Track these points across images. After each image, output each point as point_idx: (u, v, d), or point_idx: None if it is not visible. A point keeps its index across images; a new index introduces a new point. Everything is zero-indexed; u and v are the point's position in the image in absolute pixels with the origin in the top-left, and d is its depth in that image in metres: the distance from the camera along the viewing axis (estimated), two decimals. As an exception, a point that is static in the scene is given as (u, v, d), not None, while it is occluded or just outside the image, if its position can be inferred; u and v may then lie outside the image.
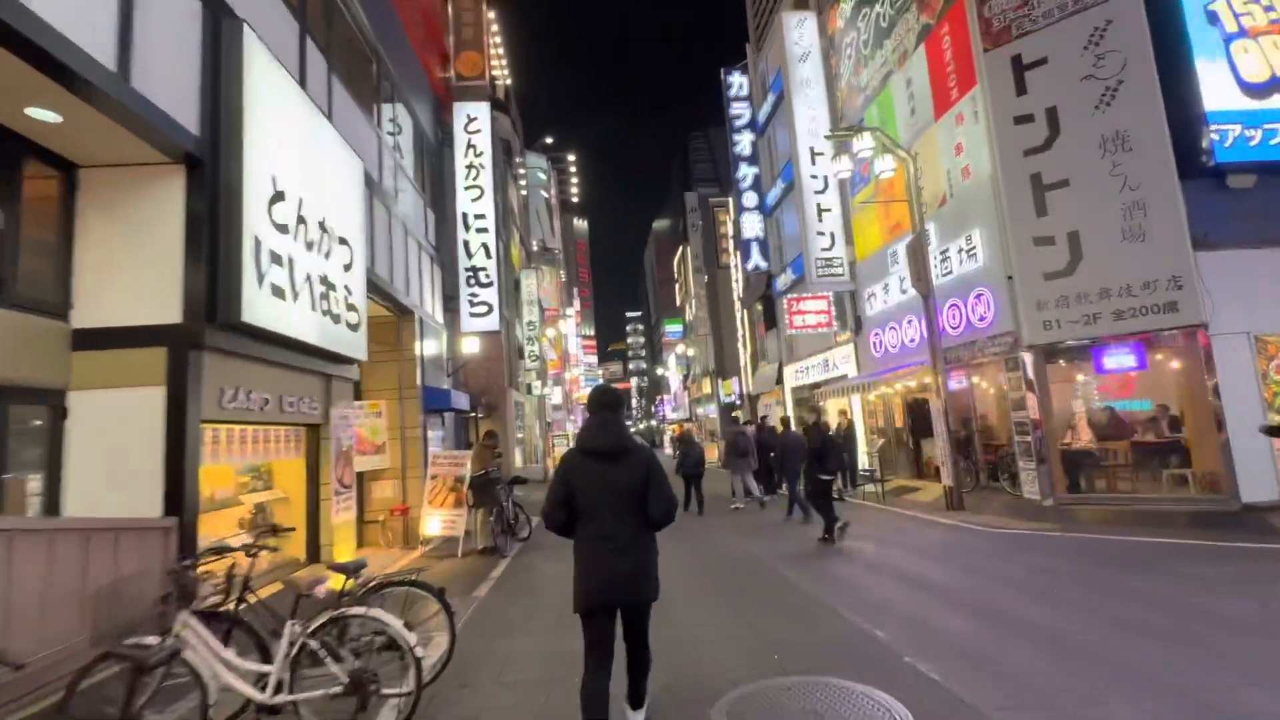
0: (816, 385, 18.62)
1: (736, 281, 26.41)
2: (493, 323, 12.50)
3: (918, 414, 13.41)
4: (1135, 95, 8.45)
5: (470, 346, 12.62)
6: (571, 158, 58.17)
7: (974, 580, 5.74)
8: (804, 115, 15.35)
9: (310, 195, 5.84)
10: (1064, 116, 8.95)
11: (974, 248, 10.23)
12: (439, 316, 11.90)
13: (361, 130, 8.41)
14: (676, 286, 47.88)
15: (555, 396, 40.42)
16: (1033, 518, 8.72)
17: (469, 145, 12.75)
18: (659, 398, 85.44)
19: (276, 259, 5.14)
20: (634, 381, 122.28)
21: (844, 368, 15.83)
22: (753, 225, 21.30)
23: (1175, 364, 8.80)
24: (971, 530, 8.31)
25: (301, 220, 5.61)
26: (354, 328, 6.69)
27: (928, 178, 11.24)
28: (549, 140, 51.90)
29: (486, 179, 12.75)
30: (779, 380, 21.47)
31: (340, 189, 6.60)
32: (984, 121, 9.80)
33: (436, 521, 8.99)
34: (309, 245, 5.75)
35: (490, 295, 12.53)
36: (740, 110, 21.79)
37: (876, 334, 13.86)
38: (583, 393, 63.16)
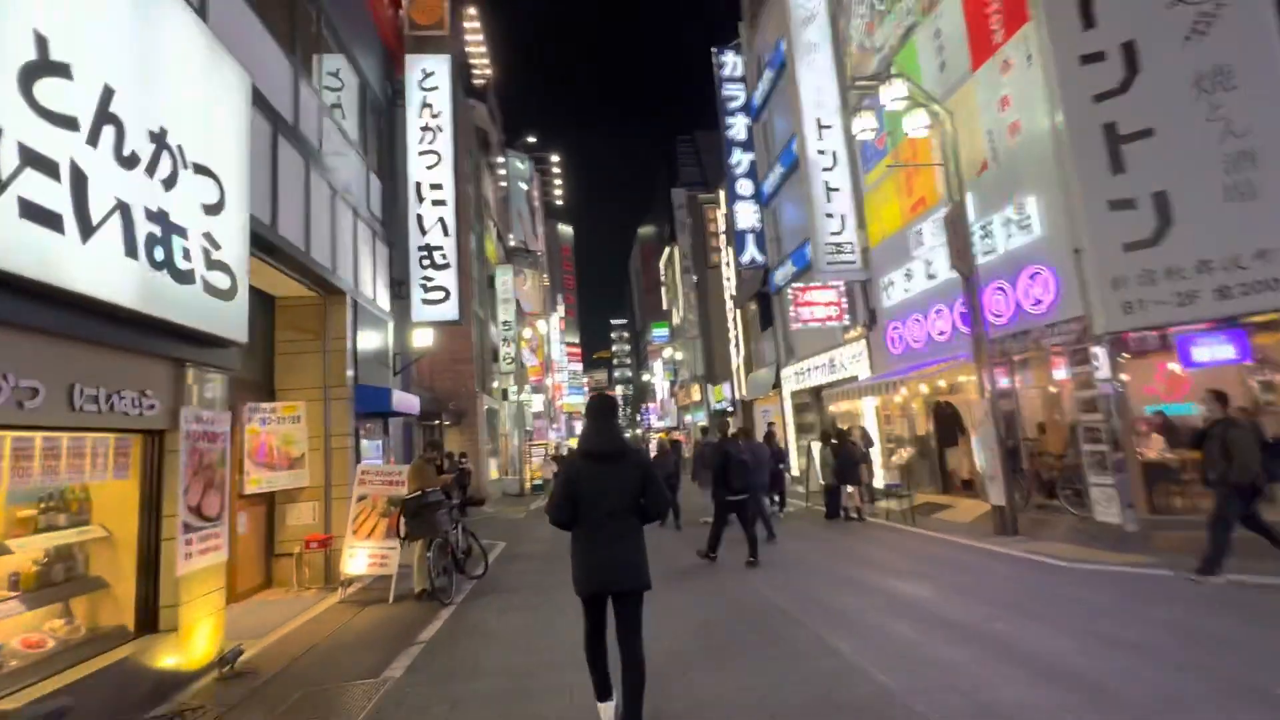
0: (820, 389, 16.87)
1: (728, 280, 24.71)
2: (450, 311, 10.56)
3: (943, 419, 11.68)
4: (1240, 19, 6.81)
5: (423, 339, 10.65)
6: (555, 158, 56.31)
7: (1105, 655, 3.91)
8: (809, 84, 13.66)
9: (137, 93, 3.93)
10: (1144, 51, 7.29)
11: (1027, 218, 8.52)
12: (383, 302, 9.94)
13: (264, 52, 6.49)
14: (663, 289, 46.14)
15: (537, 404, 38.39)
16: (1112, 546, 6.95)
17: (424, 104, 10.85)
18: (644, 405, 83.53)
19: (38, 161, 3.20)
20: (619, 390, 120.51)
21: (853, 368, 14.08)
22: (748, 215, 19.60)
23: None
24: (1044, 565, 6.51)
25: (111, 121, 3.69)
26: (224, 295, 4.76)
27: (962, 141, 9.53)
28: (531, 140, 50.04)
29: (445, 144, 10.85)
30: (776, 384, 19.71)
31: (204, 103, 4.70)
32: (1040, 65, 8.12)
33: (362, 556, 7.00)
34: (127, 160, 3.82)
35: (447, 279, 10.59)
36: (734, 92, 20.15)
37: (895, 328, 12.12)
38: (565, 400, 61.23)
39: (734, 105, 20.05)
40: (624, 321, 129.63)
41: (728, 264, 24.69)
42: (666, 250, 42.41)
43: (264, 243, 6.09)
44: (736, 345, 24.09)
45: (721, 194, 24.73)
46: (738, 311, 23.77)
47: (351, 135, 9.24)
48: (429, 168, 10.81)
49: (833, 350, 15.25)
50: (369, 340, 9.20)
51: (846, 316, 13.18)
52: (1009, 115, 8.81)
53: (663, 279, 46.61)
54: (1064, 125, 7.76)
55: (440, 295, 10.54)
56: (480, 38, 33.64)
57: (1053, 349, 8.29)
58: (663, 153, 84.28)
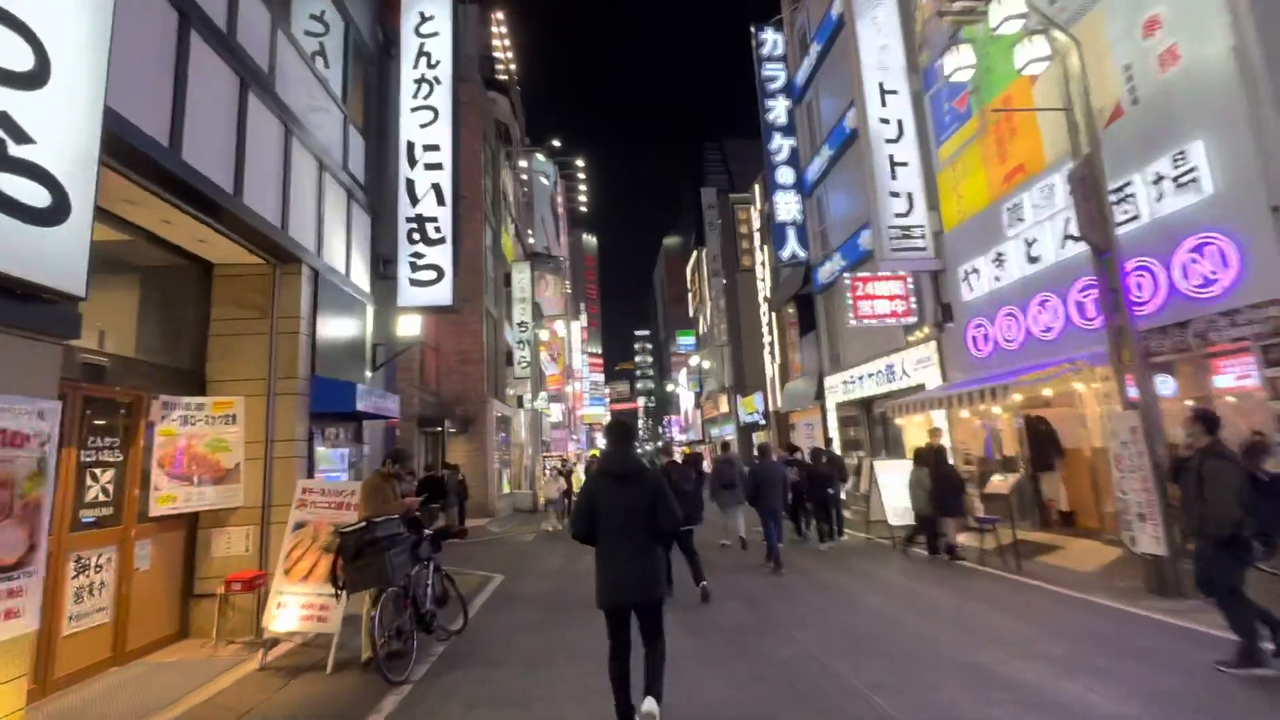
0: (871, 401, 14.77)
1: (762, 280, 22.74)
2: (442, 294, 8.79)
3: (1036, 438, 9.53)
4: None
5: (409, 328, 8.88)
6: (580, 163, 54.99)
7: None
8: (871, 44, 11.74)
9: None
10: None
11: (1188, 171, 6.44)
12: (361, 281, 8.22)
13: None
14: (690, 295, 44.16)
15: (555, 413, 36.69)
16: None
17: (421, 53, 9.20)
18: (666, 418, 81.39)
19: None
20: (641, 402, 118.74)
21: (919, 375, 11.98)
22: (789, 206, 17.65)
23: None
24: None
25: None
26: (38, 217, 3.04)
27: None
28: (556, 143, 48.79)
29: (444, 99, 9.16)
30: (818, 395, 17.60)
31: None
32: (1213, -34, 6.10)
33: (294, 606, 5.17)
34: None
35: (441, 256, 8.85)
36: (773, 72, 18.30)
37: (979, 325, 10.03)
38: (586, 410, 59.52)
39: (774, 86, 18.20)
40: (647, 333, 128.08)
41: (762, 264, 22.73)
42: (694, 254, 40.54)
43: (156, 169, 4.36)
44: (771, 352, 22.04)
45: (757, 188, 22.84)
46: (773, 315, 21.76)
47: (328, 79, 7.59)
48: (423, 125, 9.12)
49: (891, 355, 13.16)
50: (339, 326, 7.45)
51: (914, 313, 11.11)
52: (1158, 41, 6.77)
53: (689, 285, 44.68)
54: (1253, 44, 5.71)
55: (432, 275, 8.79)
56: (504, 29, 32.48)
57: (1222, 347, 6.17)
58: (689, 161, 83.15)
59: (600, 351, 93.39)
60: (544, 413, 31.52)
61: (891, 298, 11.09)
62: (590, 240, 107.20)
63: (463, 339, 17.36)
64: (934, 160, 11.24)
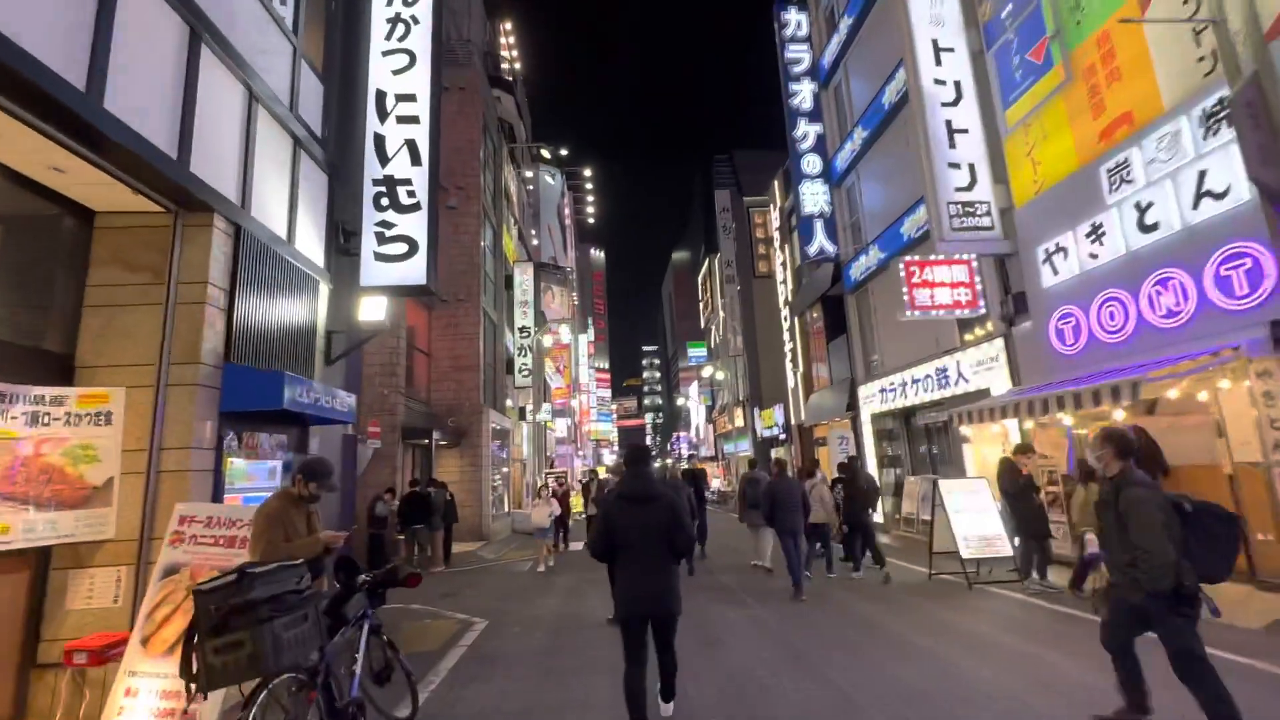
0: (911, 411, 13.01)
1: (783, 284, 21.09)
2: (414, 272, 7.16)
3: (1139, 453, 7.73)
4: None
5: (373, 312, 7.24)
6: (588, 173, 53.82)
7: None
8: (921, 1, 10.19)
9: None
10: None
11: None
12: (312, 252, 6.62)
13: None
14: (701, 305, 42.52)
15: (560, 428, 34.98)
16: None
17: (396, -13, 7.71)
18: (674, 435, 79.47)
19: None
20: (649, 418, 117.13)
21: (981, 379, 10.23)
22: (816, 197, 16.04)
23: None
24: None
25: None
26: None
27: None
28: (563, 152, 47.69)
29: (422, 42, 7.64)
30: (850, 406, 15.83)
31: None
32: None
33: (152, 695, 3.47)
34: None
35: (414, 226, 7.24)
36: (797, 54, 16.83)
37: (1066, 316, 8.29)
38: (594, 426, 57.79)
39: (798, 69, 16.71)
40: (655, 348, 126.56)
41: (783, 264, 21.09)
42: (706, 262, 38.99)
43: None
44: (794, 361, 20.31)
45: (776, 185, 21.30)
46: (796, 320, 20.07)
47: (284, 17, 6.08)
48: (397, 72, 7.58)
49: (943, 358, 11.41)
50: (278, 305, 5.83)
51: (980, 303, 9.37)
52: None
53: (701, 294, 43.07)
54: None
55: (402, 249, 7.17)
56: (510, 28, 31.40)
57: None
58: (699, 172, 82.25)
59: (608, 367, 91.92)
60: (548, 427, 29.82)
61: (954, 285, 9.38)
62: (598, 255, 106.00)
63: (457, 343, 15.76)
64: (1000, 126, 9.60)
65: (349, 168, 7.35)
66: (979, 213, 9.37)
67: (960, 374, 10.88)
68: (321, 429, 6.79)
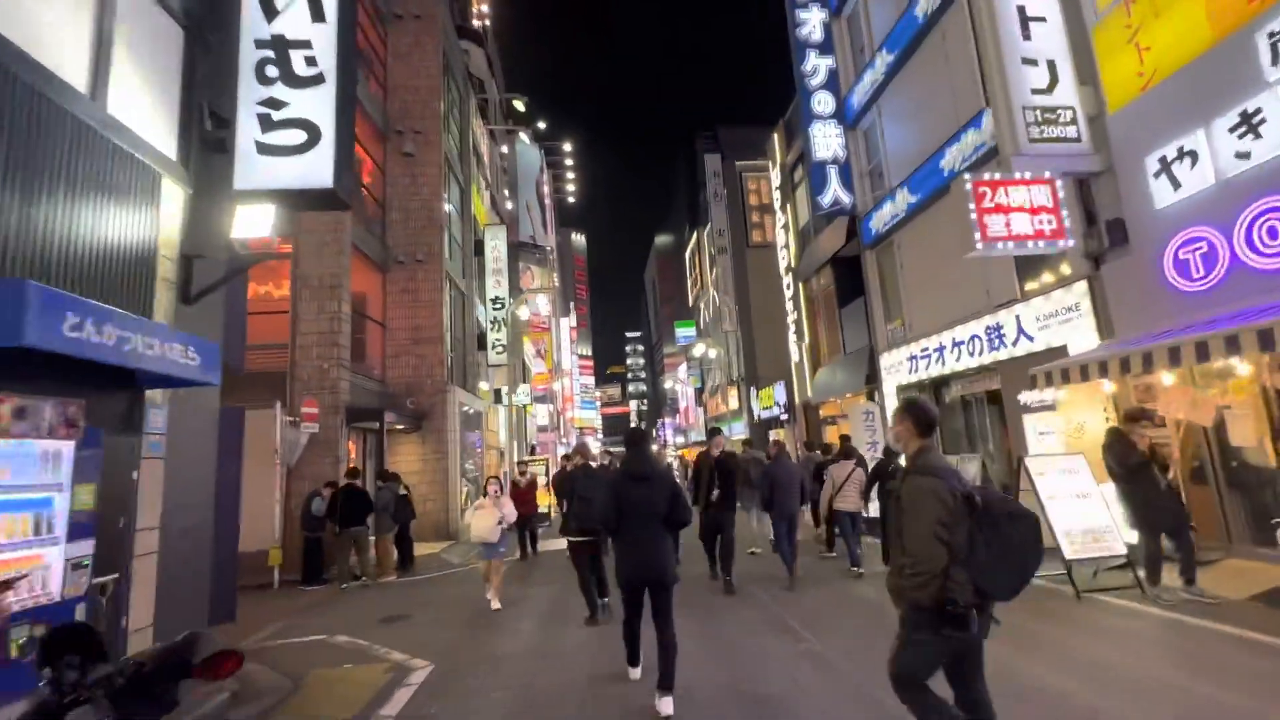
0: (940, 381, 11.18)
1: (785, 248, 19.08)
2: (317, 171, 4.95)
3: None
4: None
5: (254, 225, 5.02)
6: (568, 147, 51.16)
7: None
8: None
9: None
10: None
11: None
12: (151, 134, 4.42)
13: None
14: (689, 282, 40.39)
15: (542, 415, 32.86)
16: None
17: None
18: (660, 420, 77.73)
19: None
20: (633, 405, 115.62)
21: (1053, 334, 8.33)
22: (829, 140, 14.00)
23: None
24: None
25: None
26: None
27: None
28: (541, 125, 45.00)
29: None
30: (869, 379, 13.93)
31: None
32: None
33: None
34: None
35: (316, 106, 5.02)
36: (805, -23, 14.68)
37: (1194, 241, 6.35)
38: (577, 414, 55.82)
39: (806, -6, 14.59)
40: (638, 334, 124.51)
41: (784, 227, 19.06)
42: (694, 236, 36.85)
43: None
44: (798, 332, 18.35)
45: (776, 139, 19.20)
46: (800, 287, 18.09)
47: None
48: (290, -108, 5.31)
49: (997, 313, 9.50)
50: (80, 203, 3.64)
51: (1067, 233, 7.39)
52: None
53: (689, 271, 40.93)
54: None
55: (297, 137, 4.96)
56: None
57: None
58: (683, 148, 79.78)
59: (590, 354, 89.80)
60: (529, 412, 27.66)
61: (1034, 210, 7.39)
62: (579, 240, 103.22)
63: (416, 311, 13.53)
64: (1087, 12, 7.61)
65: (221, 24, 5.12)
66: (1062, 120, 7.40)
67: (1021, 330, 8.96)
68: (180, 397, 4.61)
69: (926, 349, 11.59)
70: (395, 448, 12.93)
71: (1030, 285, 9.06)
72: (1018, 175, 7.38)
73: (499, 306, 17.48)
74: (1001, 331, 9.42)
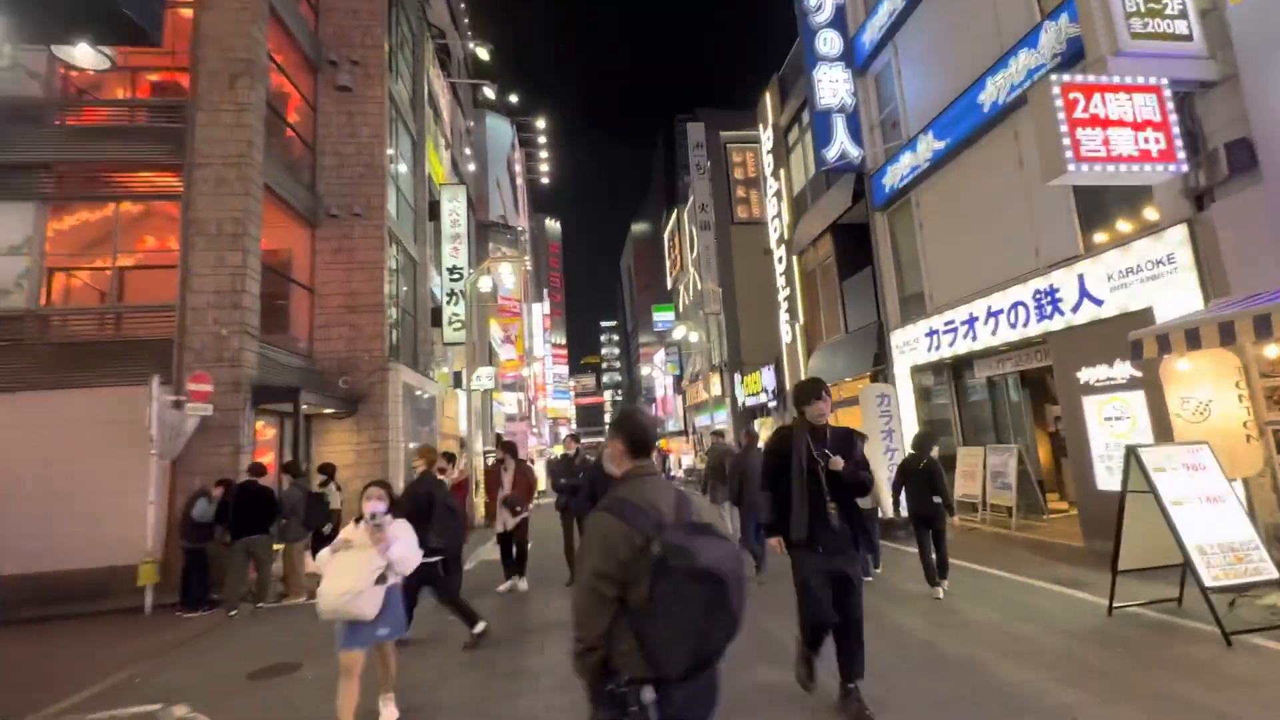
0: (968, 360, 9.59)
1: (776, 218, 17.32)
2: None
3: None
4: None
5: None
6: (541, 124, 48.68)
7: None
8: None
9: None
10: None
11: None
12: None
13: None
14: (669, 263, 38.50)
15: (510, 403, 30.73)
16: None
17: None
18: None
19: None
20: (608, 395, 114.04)
21: (1129, 297, 6.70)
22: (835, 86, 12.24)
23: None
24: None
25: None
26: None
27: None
28: (513, 98, 42.42)
29: None
30: (877, 359, 12.30)
31: None
32: None
33: None
34: None
35: None
36: (809, -101, 12.83)
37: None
38: (550, 404, 53.78)
39: (809, -80, 12.74)
40: (614, 324, 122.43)
41: (776, 195, 17.29)
42: (674, 214, 34.97)
43: None
44: (791, 311, 16.65)
45: (768, 98, 17.38)
46: (794, 261, 16.36)
47: None
48: None
49: (1050, 274, 7.86)
50: None
51: (1178, 156, 5.72)
52: None
53: (668, 251, 39.03)
54: None
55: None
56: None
57: None
58: (662, 131, 77.66)
59: (564, 343, 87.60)
60: (495, 399, 25.56)
61: (1138, 125, 5.70)
62: (554, 226, 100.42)
63: (351, 274, 11.41)
64: (1198, -126, 5.93)
65: None
66: (1169, 10, 5.72)
67: (1085, 293, 7.33)
68: None
69: (951, 322, 9.95)
70: (325, 436, 10.86)
71: (1099, 237, 7.43)
72: (1116, 80, 5.66)
73: (457, 277, 15.38)
74: (1056, 296, 7.78)
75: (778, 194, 17.26)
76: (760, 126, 18.32)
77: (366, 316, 11.29)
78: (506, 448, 7.18)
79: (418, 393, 13.85)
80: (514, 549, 7.20)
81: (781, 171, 17.01)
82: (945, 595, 5.78)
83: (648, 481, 1.87)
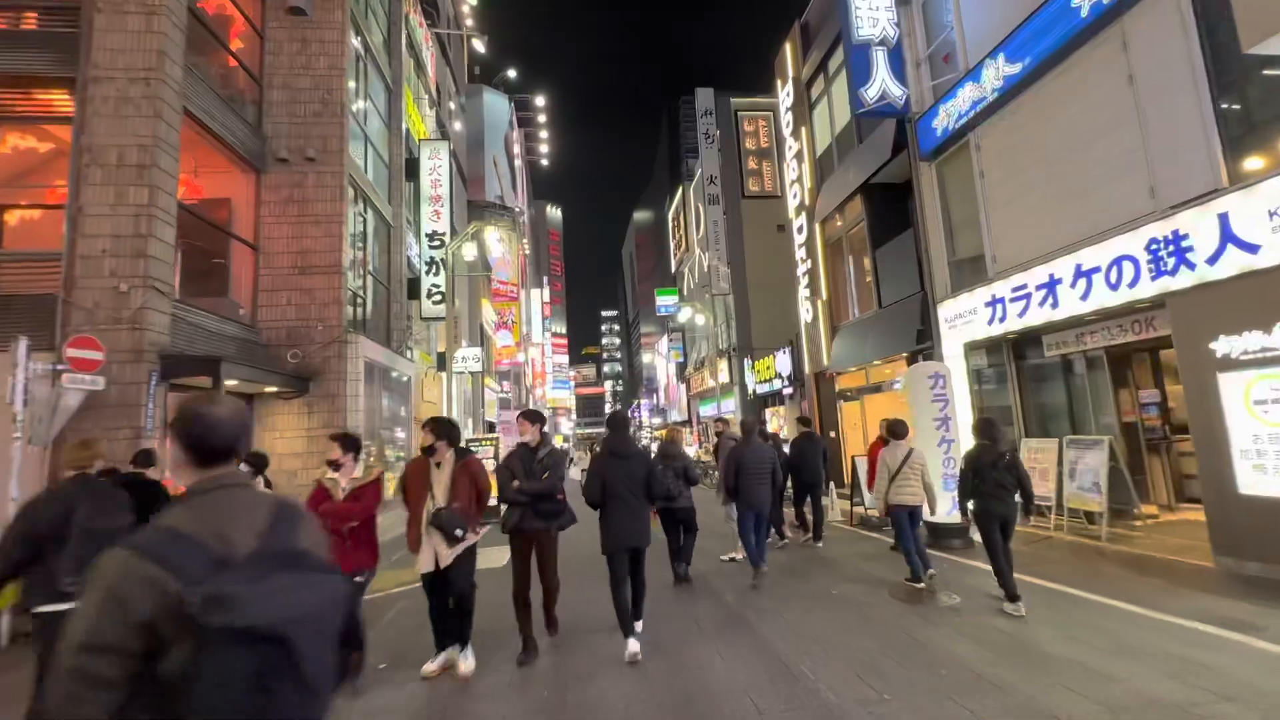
0: (1035, 336, 7.87)
1: (795, 183, 15.54)
2: None
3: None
4: None
5: None
6: (541, 102, 46.63)
7: None
8: None
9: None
10: None
11: None
12: None
13: None
14: (673, 244, 36.63)
15: (498, 387, 29.02)
16: None
17: None
18: (635, 402, 74.58)
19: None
20: (608, 385, 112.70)
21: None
22: (874, 15, 10.44)
23: None
24: None
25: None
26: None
27: None
28: (511, 74, 40.43)
29: None
30: (921, 337, 10.57)
31: None
32: None
33: None
34: None
35: None
36: None
37: None
38: (550, 393, 52.31)
39: None
40: (614, 313, 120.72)
41: (796, 156, 15.47)
42: (679, 193, 33.09)
43: None
44: (813, 286, 14.90)
45: (788, 50, 15.55)
46: (816, 229, 14.59)
47: None
48: None
49: (1175, 215, 6.12)
50: None
51: None
52: None
53: (672, 232, 37.17)
54: None
55: None
56: None
57: None
58: (666, 111, 75.56)
59: (565, 332, 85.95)
60: (485, 384, 23.86)
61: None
62: (555, 213, 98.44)
63: (303, 229, 9.66)
64: None
65: None
66: None
67: (1230, 237, 5.59)
68: None
69: (1023, 287, 8.20)
70: (270, 420, 9.15)
71: (1252, 163, 5.68)
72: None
73: (438, 244, 13.64)
74: (1183, 245, 6.04)
75: (798, 155, 15.45)
76: (779, 82, 16.48)
77: (321, 279, 9.55)
78: (442, 431, 4.31)
79: (393, 374, 12.17)
80: (449, 599, 4.26)
81: (803, 130, 15.20)
82: (1060, 657, 4.09)
83: (220, 499, 1.30)
